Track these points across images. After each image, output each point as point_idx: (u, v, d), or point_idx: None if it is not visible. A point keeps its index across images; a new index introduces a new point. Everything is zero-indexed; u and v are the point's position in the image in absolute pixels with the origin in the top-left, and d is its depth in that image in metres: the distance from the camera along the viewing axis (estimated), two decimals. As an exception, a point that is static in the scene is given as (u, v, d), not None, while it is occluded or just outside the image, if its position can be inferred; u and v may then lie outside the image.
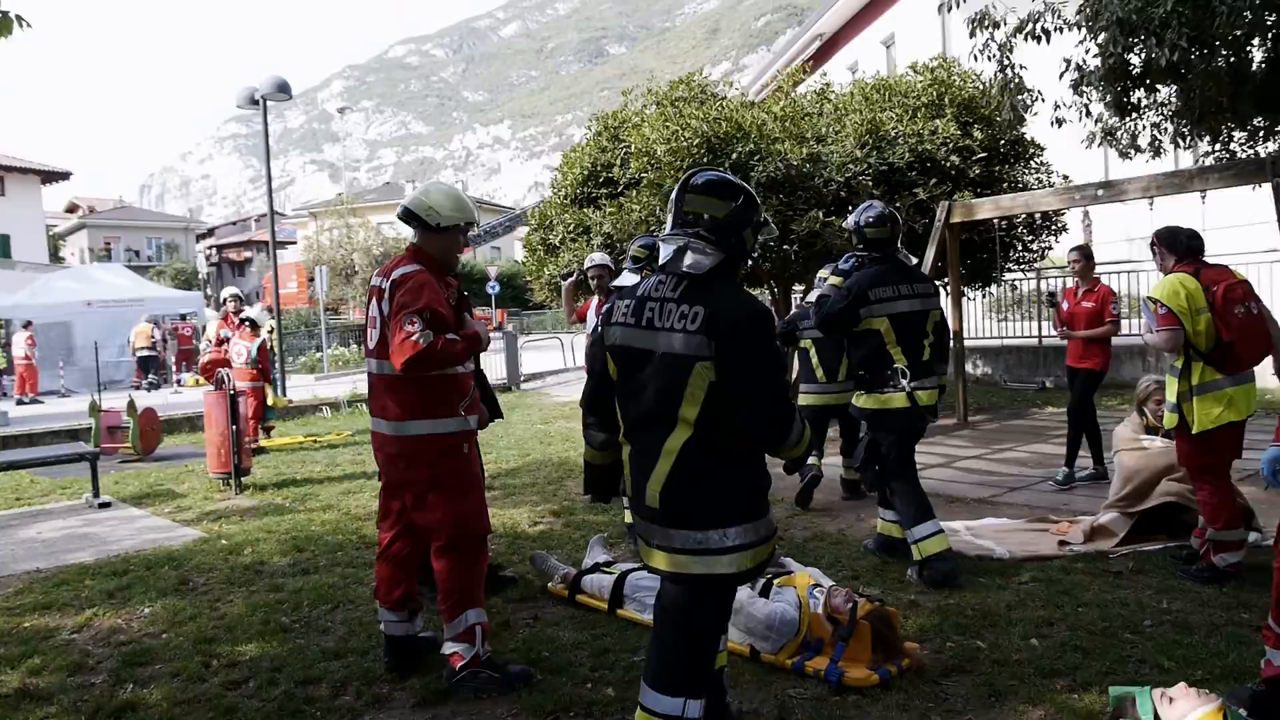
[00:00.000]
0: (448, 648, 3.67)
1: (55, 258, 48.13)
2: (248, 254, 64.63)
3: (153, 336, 21.47)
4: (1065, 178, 11.06)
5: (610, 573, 4.57)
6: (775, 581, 3.97)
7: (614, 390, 2.86)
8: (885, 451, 4.85)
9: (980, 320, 14.55)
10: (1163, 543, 5.11)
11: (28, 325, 20.27)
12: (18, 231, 38.89)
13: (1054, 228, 11.48)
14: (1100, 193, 8.60)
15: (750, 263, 3.16)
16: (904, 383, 4.71)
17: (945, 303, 7.63)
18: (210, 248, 67.99)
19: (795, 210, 9.50)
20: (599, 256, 6.49)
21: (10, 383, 19.96)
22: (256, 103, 14.83)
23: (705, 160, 9.72)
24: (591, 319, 6.50)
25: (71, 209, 63.35)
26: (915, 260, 5.15)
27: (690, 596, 2.70)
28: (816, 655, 3.63)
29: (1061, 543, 5.26)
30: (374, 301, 3.72)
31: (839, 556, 5.22)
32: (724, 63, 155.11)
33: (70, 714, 3.52)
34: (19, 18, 4.49)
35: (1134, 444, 5.38)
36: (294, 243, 51.37)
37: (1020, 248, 11.48)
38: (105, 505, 7.88)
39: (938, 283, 8.04)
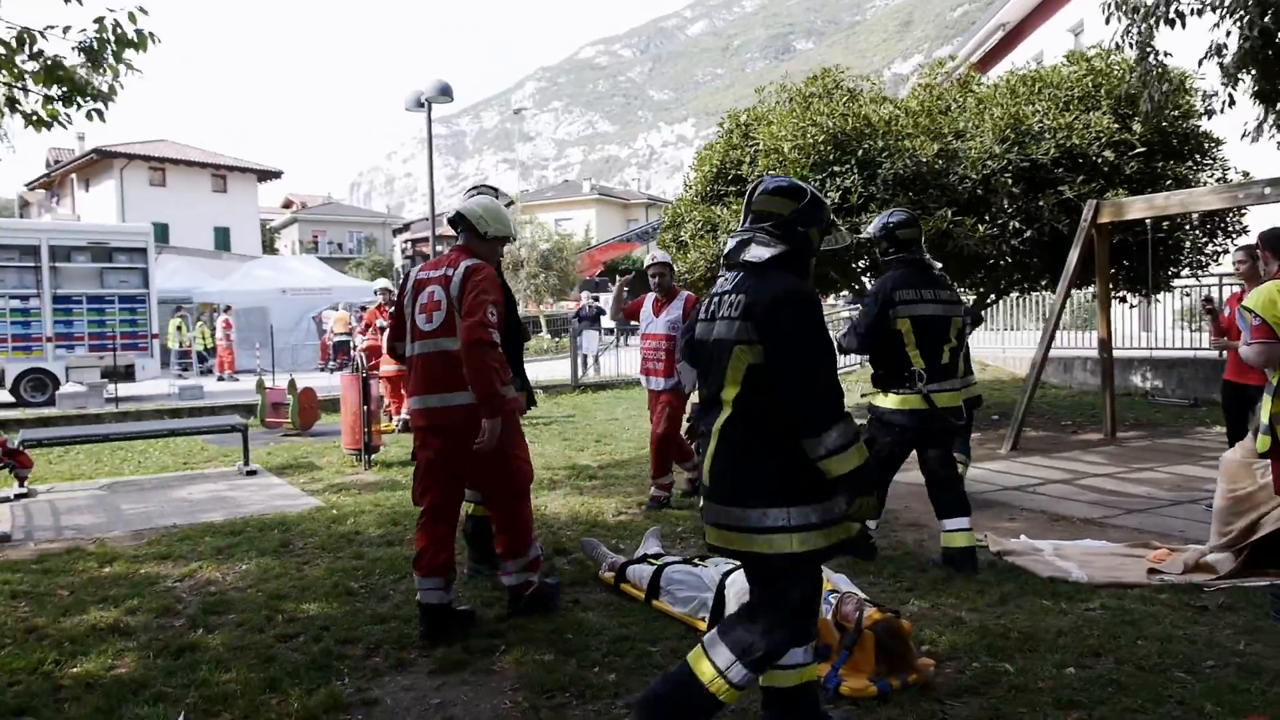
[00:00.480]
0: (515, 579, 4.33)
1: (270, 249, 53.08)
2: (439, 248, 68.78)
3: (350, 323, 23.28)
4: (1245, 174, 10.01)
5: (653, 564, 4.63)
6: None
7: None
8: (878, 450, 4.75)
9: (1168, 330, 13.46)
10: (1272, 578, 4.60)
11: (227, 310, 22.54)
12: (237, 225, 43.22)
13: (1231, 229, 10.41)
14: (1268, 191, 7.74)
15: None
16: (920, 385, 4.68)
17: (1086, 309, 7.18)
18: (406, 241, 72.75)
19: (926, 209, 9.14)
20: (661, 254, 6.54)
21: (213, 362, 22.23)
22: (422, 105, 15.81)
23: (831, 157, 9.54)
24: (648, 316, 6.58)
25: (287, 204, 69.63)
26: (939, 266, 5.01)
27: (754, 574, 2.85)
28: (822, 662, 3.56)
29: (1152, 570, 4.84)
30: (437, 288, 4.12)
31: (901, 568, 5.04)
32: (915, 56, 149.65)
33: (143, 649, 3.98)
34: (151, 34, 5.07)
35: (1244, 471, 4.86)
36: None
37: (1191, 250, 10.49)
38: (252, 473, 8.71)
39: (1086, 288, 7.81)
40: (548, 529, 6.09)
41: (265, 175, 44.54)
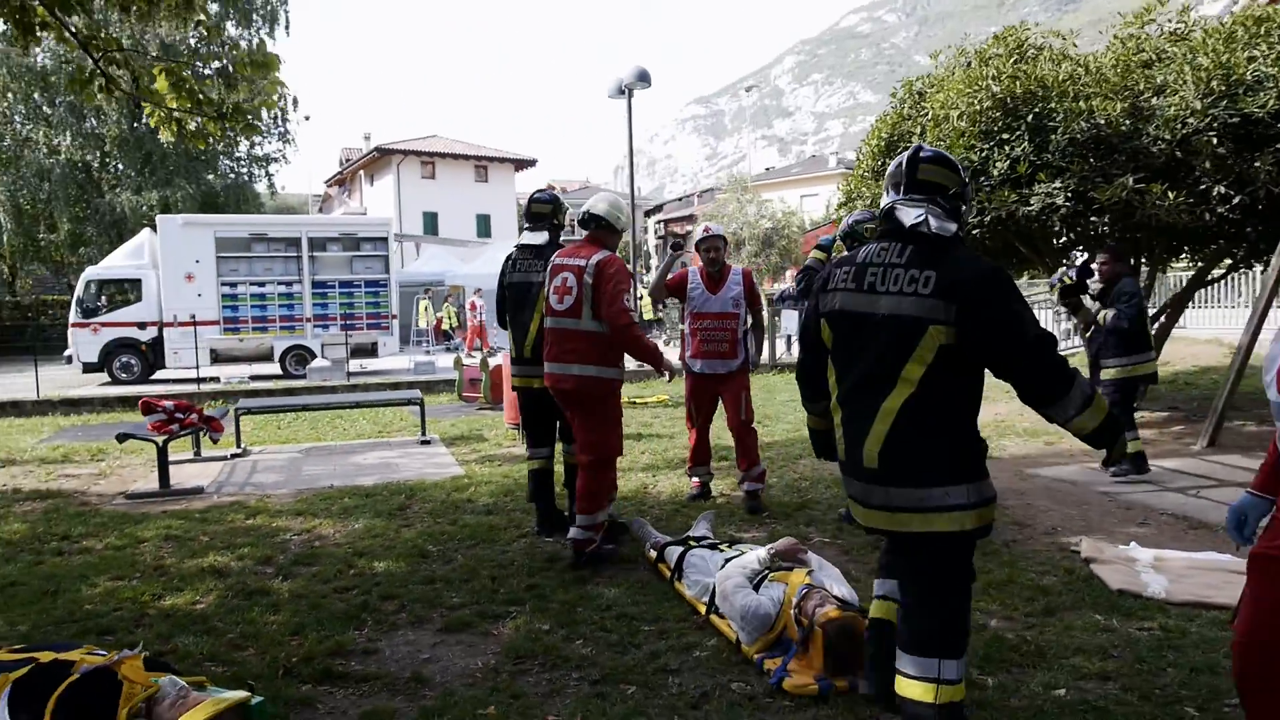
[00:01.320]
0: (580, 534, 4.92)
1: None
2: (689, 228, 70.17)
3: None
4: None
5: (684, 545, 4.70)
6: (771, 575, 3.85)
7: (824, 361, 3.04)
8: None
9: None
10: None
11: (477, 292, 24.56)
12: (497, 212, 46.67)
13: None
14: None
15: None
16: None
17: None
18: (659, 222, 74.93)
19: (1108, 175, 8.24)
20: (716, 226, 6.26)
21: (460, 339, 24.33)
22: (623, 92, 16.32)
23: (999, 125, 8.84)
24: (701, 294, 6.09)
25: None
26: None
27: (922, 558, 2.81)
28: (781, 655, 3.51)
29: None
30: (570, 275, 4.93)
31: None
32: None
33: (226, 590, 4.68)
34: (276, 55, 5.80)
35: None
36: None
37: None
38: (426, 442, 9.63)
39: None
40: (641, 503, 6.30)
41: (521, 164, 47.67)
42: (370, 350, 18.46)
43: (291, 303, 18.03)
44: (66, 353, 17.37)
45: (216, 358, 17.48)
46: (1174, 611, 4.05)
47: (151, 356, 17.30)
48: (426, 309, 25.18)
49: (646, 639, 3.91)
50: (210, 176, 27.04)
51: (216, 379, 16.54)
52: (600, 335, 4.88)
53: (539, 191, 5.91)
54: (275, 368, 17.86)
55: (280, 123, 27.66)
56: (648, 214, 75.15)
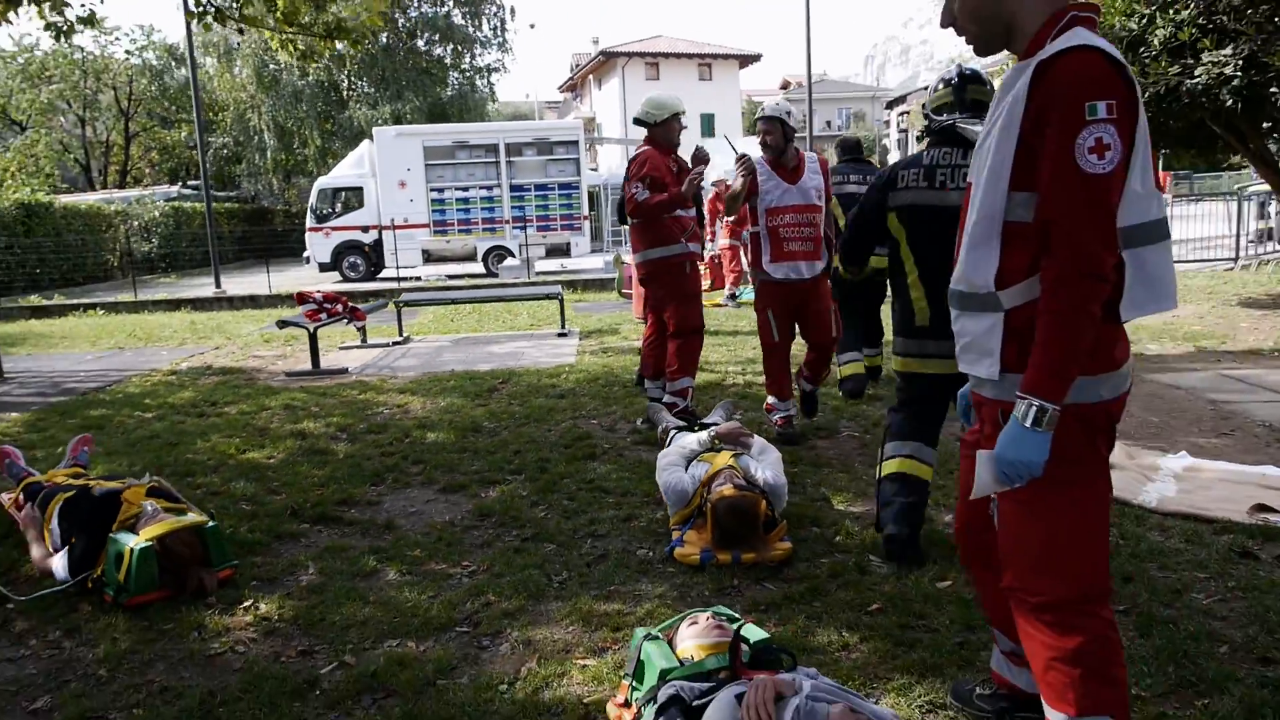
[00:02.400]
0: (668, 399, 5.60)
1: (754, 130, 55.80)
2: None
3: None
4: None
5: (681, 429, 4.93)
6: (701, 455, 4.02)
7: (873, 240, 3.87)
8: None
9: None
10: None
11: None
12: (721, 110, 46.26)
13: None
14: None
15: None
16: None
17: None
18: (900, 114, 70.80)
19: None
20: (773, 106, 5.46)
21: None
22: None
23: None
24: (776, 186, 5.57)
25: (784, 85, 71.87)
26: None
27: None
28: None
29: (1260, 508, 3.81)
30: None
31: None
32: None
33: (296, 448, 5.50)
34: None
35: None
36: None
37: None
38: (563, 335, 10.27)
39: None
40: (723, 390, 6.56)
41: (746, 60, 46.71)
42: (564, 250, 19.46)
43: (492, 206, 19.30)
44: (305, 254, 19.78)
45: (428, 258, 19.20)
46: (1169, 522, 3.78)
47: (374, 257, 19.31)
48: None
49: (600, 509, 4.24)
50: (437, 89, 28.96)
51: (418, 278, 18.23)
52: (639, 223, 5.64)
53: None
54: (479, 267, 19.32)
55: (499, 33, 28.94)
56: (889, 105, 71.16)
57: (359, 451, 5.40)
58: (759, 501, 3.59)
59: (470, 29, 29.13)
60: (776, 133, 5.31)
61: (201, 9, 6.32)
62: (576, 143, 19.39)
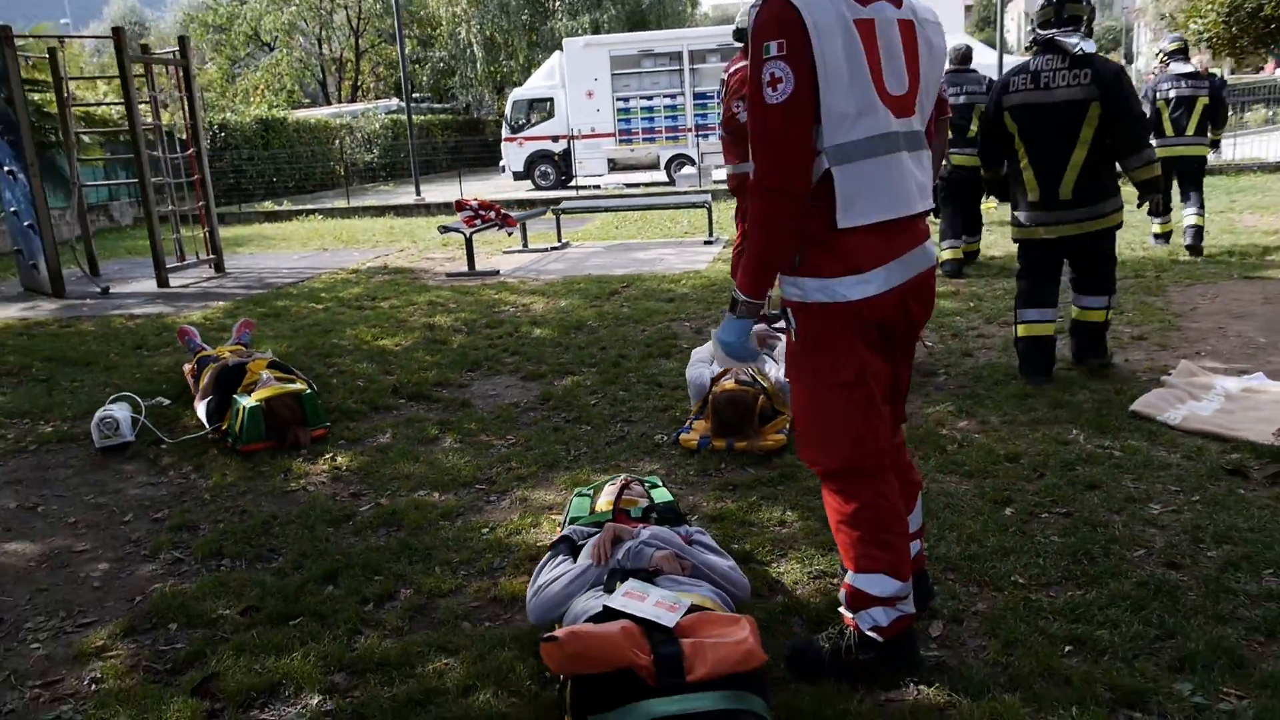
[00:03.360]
0: None
1: (987, 27, 51.48)
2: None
3: None
4: None
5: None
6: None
7: (1003, 140, 4.61)
8: None
9: None
10: None
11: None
12: (947, 7, 43.10)
13: None
14: None
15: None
16: None
17: None
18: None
19: None
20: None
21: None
22: None
23: None
24: None
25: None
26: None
27: (1105, 242, 4.55)
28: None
29: (1286, 430, 3.68)
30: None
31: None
32: None
33: (421, 338, 6.32)
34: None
35: None
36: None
37: None
38: (709, 243, 10.62)
39: None
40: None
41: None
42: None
43: (675, 114, 19.55)
44: (500, 163, 21.01)
45: (614, 166, 19.86)
46: (1164, 437, 3.77)
47: (563, 166, 20.22)
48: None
49: (645, 400, 4.71)
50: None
51: (596, 186, 18.95)
52: (730, 137, 5.26)
53: None
54: (662, 175, 19.77)
55: (699, -67, 28.36)
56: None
57: (470, 343, 6.14)
58: (757, 396, 3.93)
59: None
60: None
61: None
62: (760, 47, 19.11)
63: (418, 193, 17.85)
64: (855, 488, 2.20)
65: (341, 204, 17.40)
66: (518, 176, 20.61)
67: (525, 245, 10.96)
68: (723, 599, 2.26)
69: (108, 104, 14.88)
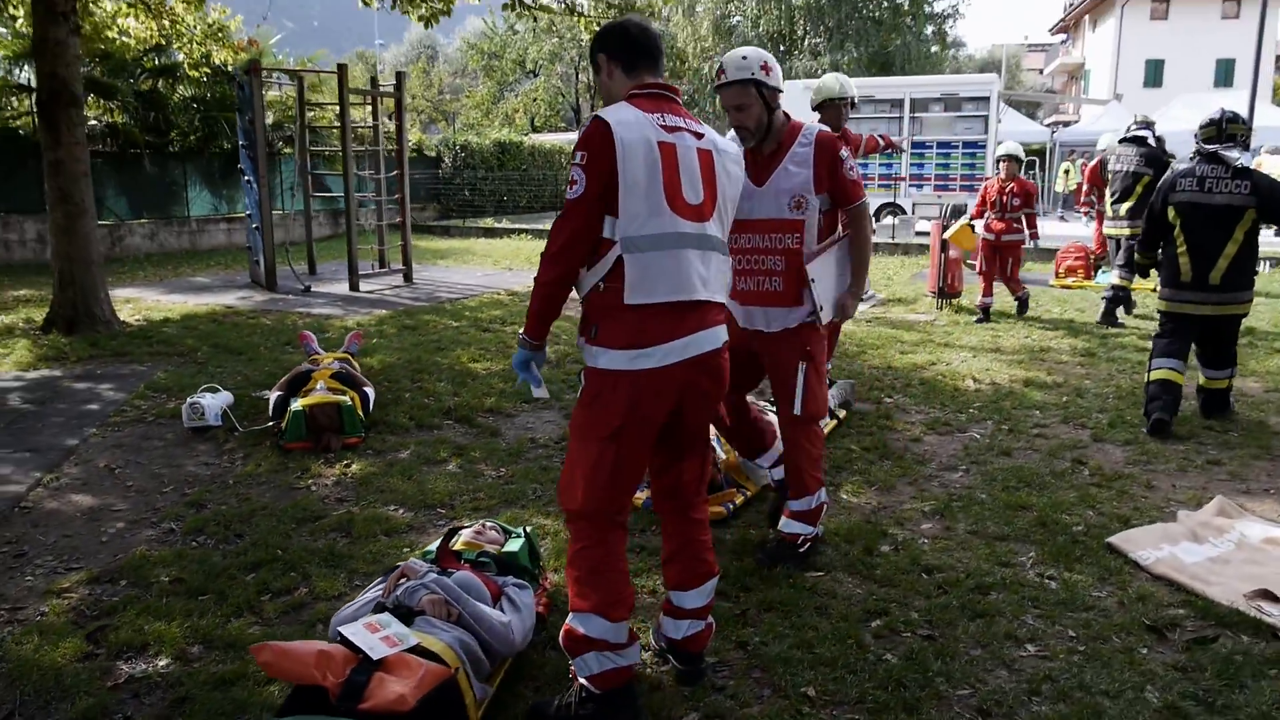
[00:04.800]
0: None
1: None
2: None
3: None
4: None
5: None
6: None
7: (1164, 232, 5.47)
8: None
9: None
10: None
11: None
12: (1245, 55, 38.77)
13: None
14: None
15: None
16: None
17: None
18: None
19: None
20: (736, 60, 5.24)
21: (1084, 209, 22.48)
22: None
23: None
24: None
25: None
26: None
27: (1231, 325, 5.42)
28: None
29: (1260, 594, 3.30)
30: None
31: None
32: None
33: (506, 365, 6.87)
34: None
35: None
36: None
37: None
38: (860, 299, 10.47)
39: None
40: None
41: (1292, -7, 38.32)
42: (961, 211, 18.70)
43: (890, 162, 19.17)
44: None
45: (821, 209, 19.80)
46: (1118, 576, 3.49)
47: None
48: (1067, 172, 23.63)
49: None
50: (884, 38, 28.70)
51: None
52: None
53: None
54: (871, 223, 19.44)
55: (957, -24, 27.55)
56: None
57: (548, 375, 6.61)
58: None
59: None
60: (752, 103, 3.39)
61: (515, 5, 7.84)
62: (988, 99, 18.34)
63: (620, 221, 18.76)
64: (584, 530, 2.51)
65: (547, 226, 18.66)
66: (727, 212, 21.04)
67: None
68: (471, 650, 2.52)
69: (335, 126, 17.03)
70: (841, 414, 5.53)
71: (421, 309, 9.46)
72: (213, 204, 15.81)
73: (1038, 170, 23.24)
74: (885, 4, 29.44)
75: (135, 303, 9.73)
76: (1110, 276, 9.28)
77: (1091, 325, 8.80)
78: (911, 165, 18.93)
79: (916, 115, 18.77)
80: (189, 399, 5.27)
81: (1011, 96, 30.93)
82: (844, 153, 3.39)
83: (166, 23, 10.55)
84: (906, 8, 29.53)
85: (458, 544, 3.13)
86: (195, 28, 10.94)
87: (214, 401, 5.27)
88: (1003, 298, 10.55)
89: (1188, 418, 5.57)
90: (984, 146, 18.39)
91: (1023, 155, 9.40)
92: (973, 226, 9.29)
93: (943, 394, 6.19)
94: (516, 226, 18.74)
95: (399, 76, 11.38)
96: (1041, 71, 54.40)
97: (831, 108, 5.99)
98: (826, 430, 5.17)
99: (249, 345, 7.38)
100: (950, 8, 30.95)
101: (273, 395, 5.33)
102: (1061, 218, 22.61)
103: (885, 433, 5.34)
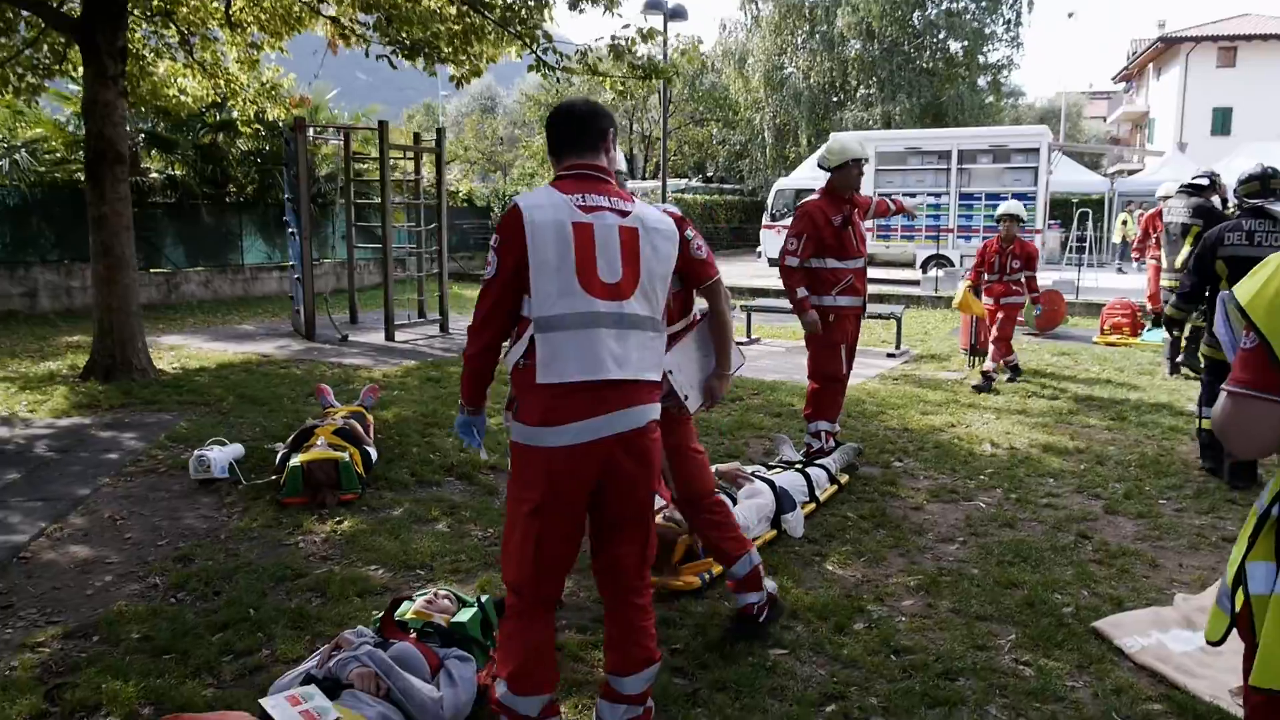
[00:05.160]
0: (806, 438, 5.85)
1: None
2: None
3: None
4: None
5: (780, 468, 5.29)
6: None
7: (1213, 281, 5.49)
8: None
9: None
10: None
11: (1165, 199, 21.55)
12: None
13: None
14: None
15: None
16: None
17: None
18: None
19: None
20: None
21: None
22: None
23: None
24: None
25: None
26: None
27: None
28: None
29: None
30: None
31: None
32: None
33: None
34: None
35: None
36: None
37: None
38: (891, 355, 10.36)
39: None
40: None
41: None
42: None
43: (938, 213, 19.01)
44: (758, 249, 21.57)
45: (870, 262, 19.67)
46: (1101, 664, 3.34)
47: (817, 255, 20.36)
48: (1125, 223, 23.11)
49: (639, 515, 4.91)
50: (936, 88, 28.62)
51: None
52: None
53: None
54: (916, 274, 19.24)
55: (1011, 27, 27.51)
56: None
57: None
58: (679, 535, 4.02)
59: (982, 25, 28.17)
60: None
61: (539, 66, 8.05)
62: (1037, 150, 18.11)
63: (663, 271, 18.86)
64: (513, 601, 2.57)
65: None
66: (772, 263, 21.04)
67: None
68: (395, 723, 2.52)
69: (373, 180, 17.58)
70: (843, 479, 5.43)
71: (449, 360, 9.60)
72: (266, 252, 16.36)
73: (1090, 222, 22.78)
74: (939, 55, 29.40)
75: (179, 350, 10.07)
76: (1161, 332, 9.16)
77: (1129, 384, 8.54)
78: (960, 216, 18.76)
79: (965, 167, 18.64)
80: (195, 451, 5.42)
81: (1065, 147, 30.50)
82: (689, 232, 3.20)
83: (222, 81, 11.02)
84: (961, 58, 29.43)
85: (408, 613, 3.14)
86: (249, 86, 11.39)
87: (221, 455, 5.40)
88: (1034, 356, 10.33)
89: (1209, 490, 5.35)
90: (1034, 198, 18.13)
91: (1024, 215, 9.08)
92: (976, 291, 8.98)
93: (955, 459, 6.05)
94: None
95: (439, 133, 11.70)
96: (1105, 120, 53.54)
97: (847, 169, 5.81)
98: (825, 496, 5.11)
99: (273, 396, 7.57)
100: (1004, 59, 30.74)
101: (280, 453, 5.45)
102: (1119, 269, 22.09)
103: (886, 499, 5.23)
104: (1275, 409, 1.57)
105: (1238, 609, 1.77)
